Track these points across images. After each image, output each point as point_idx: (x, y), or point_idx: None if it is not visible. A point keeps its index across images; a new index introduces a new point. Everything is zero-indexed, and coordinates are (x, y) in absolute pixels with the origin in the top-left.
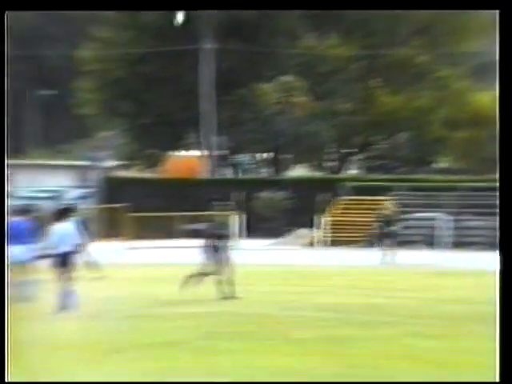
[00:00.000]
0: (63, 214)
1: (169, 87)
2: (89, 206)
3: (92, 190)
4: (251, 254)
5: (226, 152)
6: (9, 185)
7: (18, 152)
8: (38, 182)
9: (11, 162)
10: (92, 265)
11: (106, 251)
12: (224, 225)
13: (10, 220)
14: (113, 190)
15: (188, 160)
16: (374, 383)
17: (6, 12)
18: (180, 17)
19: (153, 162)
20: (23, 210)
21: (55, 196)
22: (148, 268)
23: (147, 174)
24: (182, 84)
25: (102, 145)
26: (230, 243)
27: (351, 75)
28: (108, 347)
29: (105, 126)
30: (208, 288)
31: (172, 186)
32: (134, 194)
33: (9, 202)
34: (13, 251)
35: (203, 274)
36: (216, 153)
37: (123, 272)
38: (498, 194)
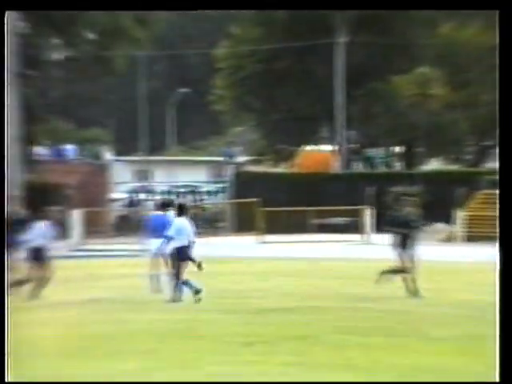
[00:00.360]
0: (180, 208)
1: (299, 82)
2: (222, 201)
3: (225, 184)
4: (385, 250)
5: (357, 146)
6: (149, 180)
7: (157, 149)
8: (175, 177)
9: (151, 158)
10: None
11: (238, 245)
12: (411, 216)
13: (151, 214)
14: (245, 184)
15: (319, 154)
16: (377, 383)
17: (7, 12)
18: None
19: (284, 157)
20: (163, 205)
21: (191, 191)
22: (280, 262)
23: (278, 169)
24: (313, 79)
25: (235, 140)
26: (416, 237)
27: (491, 64)
28: (245, 339)
29: (237, 122)
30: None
31: (303, 180)
32: (266, 188)
33: (149, 197)
34: (153, 244)
35: (395, 271)
36: (347, 147)
37: (256, 265)
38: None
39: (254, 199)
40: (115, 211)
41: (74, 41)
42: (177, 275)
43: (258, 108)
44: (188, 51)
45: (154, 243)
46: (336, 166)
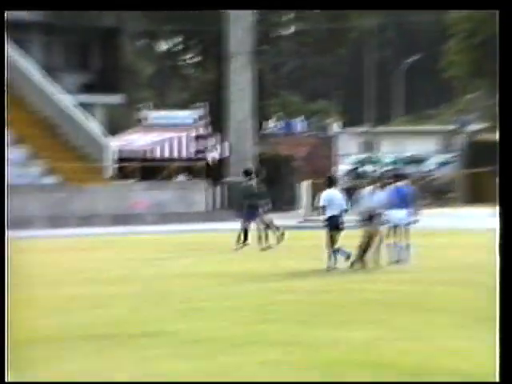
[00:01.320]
0: (329, 180)
1: None
2: (453, 171)
3: (456, 154)
4: None
5: None
6: (375, 152)
7: (384, 120)
8: (402, 148)
9: (378, 129)
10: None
11: (470, 217)
12: None
13: (393, 185)
14: (479, 153)
15: None
16: (373, 383)
17: (6, 12)
18: None
19: None
20: (402, 175)
21: (417, 161)
22: None
23: None
24: None
25: (468, 108)
26: None
27: None
28: (480, 314)
29: (470, 89)
30: None
31: None
32: None
33: (375, 168)
34: (395, 215)
35: None
36: None
37: (488, 238)
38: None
39: (488, 168)
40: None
41: (302, 14)
42: (330, 244)
43: (495, 72)
44: (417, 17)
45: (398, 214)
46: None
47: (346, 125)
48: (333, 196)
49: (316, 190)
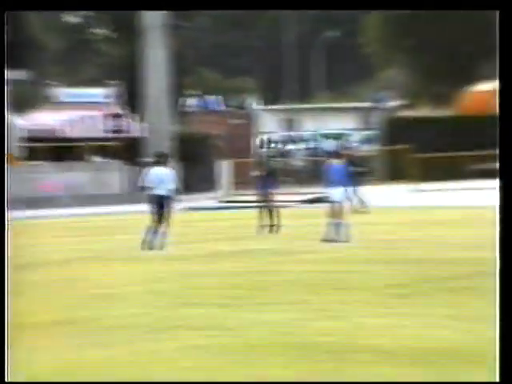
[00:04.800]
0: (160, 159)
1: (454, 20)
2: (371, 148)
3: (375, 131)
4: None
5: None
6: (296, 128)
7: (304, 96)
8: (323, 124)
9: (298, 106)
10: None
11: (389, 194)
12: None
13: (328, 163)
14: (397, 130)
15: (481, 95)
16: (371, 383)
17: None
18: None
19: (440, 100)
20: (334, 153)
21: (339, 139)
22: (435, 211)
23: (434, 113)
24: (468, 15)
25: (386, 85)
26: None
27: None
28: (398, 291)
29: (389, 65)
30: None
31: (462, 124)
32: (420, 134)
33: (296, 147)
34: (332, 192)
35: None
36: None
37: (408, 215)
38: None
39: (406, 146)
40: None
41: None
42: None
43: (412, 48)
44: None
45: (332, 192)
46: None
47: (266, 102)
48: (160, 174)
49: (236, 170)
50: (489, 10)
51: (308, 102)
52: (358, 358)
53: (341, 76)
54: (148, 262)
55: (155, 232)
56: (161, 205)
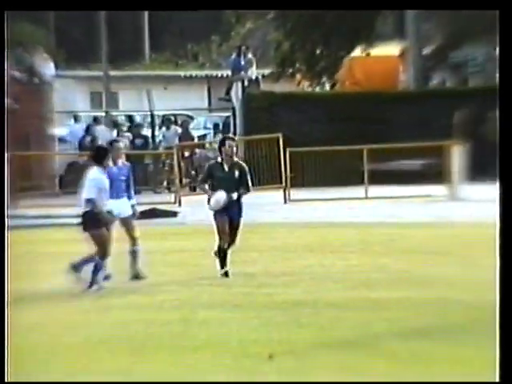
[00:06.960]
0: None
1: None
2: (224, 136)
3: (229, 113)
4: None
5: (441, 46)
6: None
7: (123, 59)
8: (151, 102)
9: (114, 73)
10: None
11: (253, 205)
12: None
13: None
14: (261, 112)
15: (379, 62)
16: (371, 383)
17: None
18: None
19: (321, 69)
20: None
21: (173, 124)
22: (316, 230)
23: (313, 88)
24: None
25: (246, 44)
26: None
27: None
28: (262, 349)
29: (250, 16)
30: None
31: (353, 103)
32: (293, 117)
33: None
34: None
35: None
36: (426, 49)
37: (291, 234)
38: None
39: (275, 135)
40: (61, 156)
41: None
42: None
43: None
44: None
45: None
46: (405, 80)
47: (67, 66)
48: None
49: (19, 170)
50: (489, 9)
51: (129, 68)
52: None
53: (175, 33)
54: None
55: None
56: None
